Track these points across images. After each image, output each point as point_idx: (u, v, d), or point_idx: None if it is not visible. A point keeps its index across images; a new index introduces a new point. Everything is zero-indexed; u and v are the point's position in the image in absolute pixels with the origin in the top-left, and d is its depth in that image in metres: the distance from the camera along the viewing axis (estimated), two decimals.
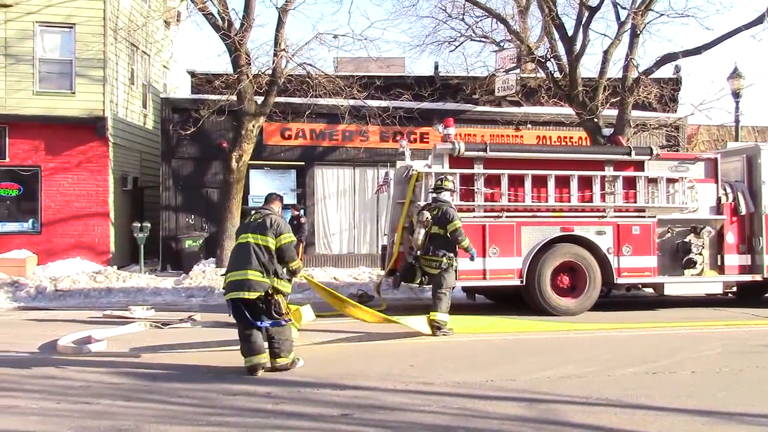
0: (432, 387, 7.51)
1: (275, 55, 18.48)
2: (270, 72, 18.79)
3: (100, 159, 20.92)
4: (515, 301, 13.61)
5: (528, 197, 12.89)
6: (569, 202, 13.08)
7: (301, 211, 20.10)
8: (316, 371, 8.19)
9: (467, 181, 12.79)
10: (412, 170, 12.93)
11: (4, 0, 20.15)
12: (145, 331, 11.22)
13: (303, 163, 22.14)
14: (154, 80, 26.22)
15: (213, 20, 18.32)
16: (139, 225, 19.44)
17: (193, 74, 23.30)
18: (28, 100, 20.41)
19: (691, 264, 13.58)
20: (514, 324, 11.69)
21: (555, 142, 22.57)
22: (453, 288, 11.15)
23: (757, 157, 14.20)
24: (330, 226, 22.29)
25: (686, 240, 13.65)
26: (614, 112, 19.57)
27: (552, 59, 20.15)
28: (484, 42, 23.60)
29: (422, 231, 11.06)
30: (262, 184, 21.92)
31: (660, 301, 14.87)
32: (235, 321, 8.31)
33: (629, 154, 13.44)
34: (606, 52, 19.37)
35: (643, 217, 13.42)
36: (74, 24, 20.68)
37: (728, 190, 14.05)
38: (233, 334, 10.18)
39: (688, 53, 18.97)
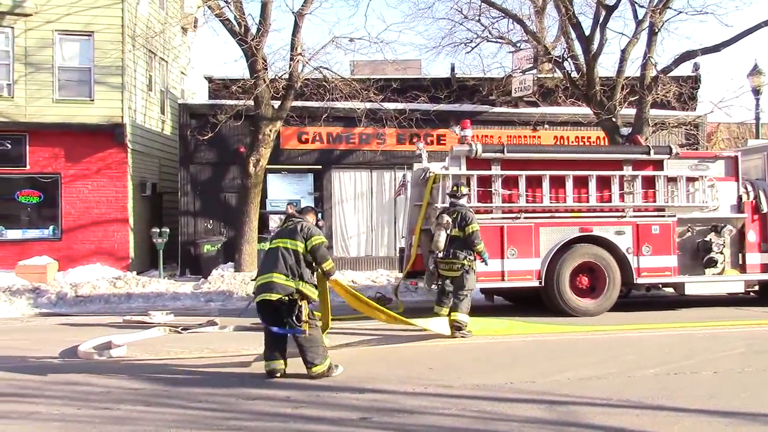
0: (451, 390, 7.49)
1: (292, 59, 18.50)
2: (287, 76, 18.82)
3: (119, 165, 21.09)
4: (534, 302, 13.54)
5: (546, 198, 12.83)
6: (588, 202, 13.00)
7: (319, 215, 20.06)
8: (334, 375, 8.19)
9: (485, 182, 12.75)
10: (430, 172, 12.91)
11: (24, 9, 20.37)
12: (164, 336, 11.28)
13: (320, 166, 22.18)
14: (171, 86, 26.38)
15: (230, 26, 18.38)
16: (158, 230, 19.56)
17: (210, 80, 23.42)
18: (47, 108, 20.61)
19: (712, 263, 13.44)
20: (533, 327, 11.61)
21: (573, 142, 22.46)
22: (473, 290, 11.16)
23: None
24: (348, 230, 22.31)
25: (707, 239, 13.52)
26: (632, 111, 19.45)
27: (569, 59, 20.06)
28: (500, 43, 23.51)
29: (443, 233, 11.08)
30: (279, 188, 22.00)
31: (681, 301, 14.73)
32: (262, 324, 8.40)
33: (648, 153, 13.34)
34: (624, 51, 19.26)
35: (663, 216, 13.31)
36: (93, 32, 20.88)
37: (749, 188, 13.92)
38: (252, 337, 10.22)
39: (707, 51, 18.82)
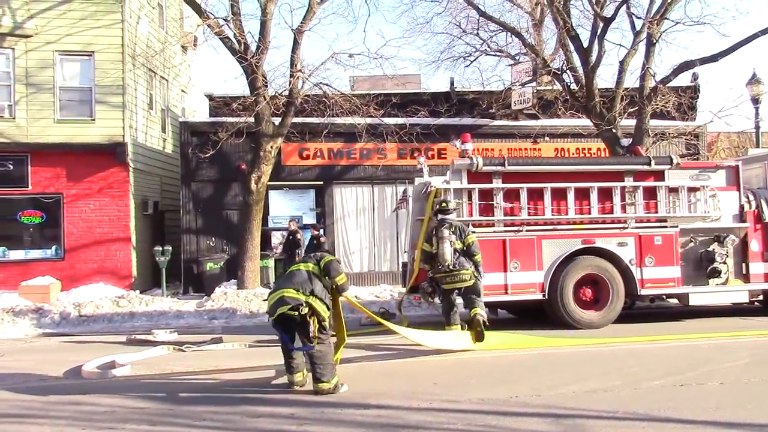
0: (456, 404, 7.45)
1: (291, 76, 18.58)
2: (287, 93, 18.89)
3: (121, 184, 21.13)
4: (538, 315, 13.50)
5: (548, 210, 12.82)
6: (589, 214, 12.99)
7: (321, 231, 20.14)
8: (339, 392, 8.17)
9: (486, 196, 12.75)
10: (431, 187, 12.90)
11: (25, 30, 20.48)
12: (168, 354, 11.26)
13: (321, 182, 22.22)
14: (172, 105, 26.47)
15: (229, 44, 18.47)
16: (160, 249, 19.58)
17: (210, 97, 23.51)
18: (49, 128, 20.68)
19: (716, 273, 13.40)
20: (537, 340, 11.48)
21: (573, 154, 22.49)
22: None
23: None
24: (350, 245, 22.31)
25: (710, 249, 13.49)
26: (632, 122, 19.49)
27: (568, 71, 20.13)
28: (499, 56, 23.62)
29: (448, 245, 11.14)
30: (281, 204, 22.04)
31: (685, 312, 14.69)
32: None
33: (649, 164, 13.33)
34: (622, 62, 19.33)
35: (665, 227, 13.29)
36: (93, 52, 20.99)
37: (751, 197, 13.91)
38: (256, 354, 10.22)
39: (705, 61, 18.90)
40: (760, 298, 14.28)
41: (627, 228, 13.13)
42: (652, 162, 13.34)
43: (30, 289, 18.37)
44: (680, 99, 20.55)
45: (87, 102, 21.08)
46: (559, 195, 12.92)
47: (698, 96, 23.77)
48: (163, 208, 24.55)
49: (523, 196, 12.74)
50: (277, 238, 21.34)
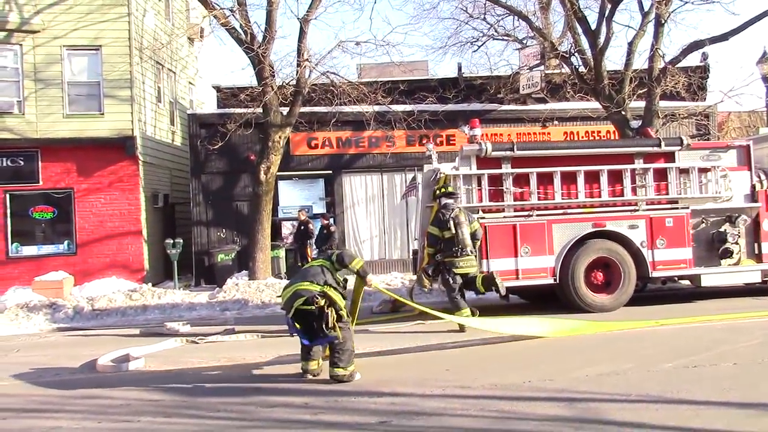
0: (469, 390, 7.47)
1: (299, 65, 18.54)
2: (294, 82, 18.87)
3: (131, 178, 21.20)
4: (549, 299, 13.49)
5: (558, 194, 12.78)
6: (600, 197, 12.94)
7: (331, 220, 20.17)
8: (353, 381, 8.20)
9: (496, 181, 12.72)
10: (440, 173, 12.89)
11: (32, 26, 20.53)
12: (181, 346, 11.33)
13: (330, 171, 22.23)
14: (180, 97, 26.50)
15: (236, 34, 18.45)
16: (171, 241, 19.62)
17: (218, 89, 23.53)
18: (58, 123, 20.74)
19: (728, 254, 13.35)
20: (603, 325, 11.17)
21: (582, 137, 22.38)
22: None
23: None
24: (360, 233, 22.32)
25: (721, 229, 13.42)
26: (642, 103, 19.35)
27: (576, 54, 20.02)
28: (506, 40, 23.46)
29: (466, 229, 11.51)
30: (291, 194, 22.07)
31: (697, 293, 14.63)
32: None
33: (659, 145, 13.24)
34: (631, 44, 19.16)
35: (676, 208, 13.22)
36: (100, 46, 21.01)
37: (762, 176, 13.81)
38: (269, 345, 10.26)
39: (714, 40, 18.72)
40: None
41: (638, 210, 13.08)
42: (662, 143, 13.25)
43: (43, 284, 18.47)
44: (690, 79, 20.41)
45: (95, 96, 21.11)
46: (569, 179, 12.87)
47: (708, 76, 23.59)
48: (174, 201, 24.63)
49: (533, 180, 12.70)
50: (287, 229, 21.38)
